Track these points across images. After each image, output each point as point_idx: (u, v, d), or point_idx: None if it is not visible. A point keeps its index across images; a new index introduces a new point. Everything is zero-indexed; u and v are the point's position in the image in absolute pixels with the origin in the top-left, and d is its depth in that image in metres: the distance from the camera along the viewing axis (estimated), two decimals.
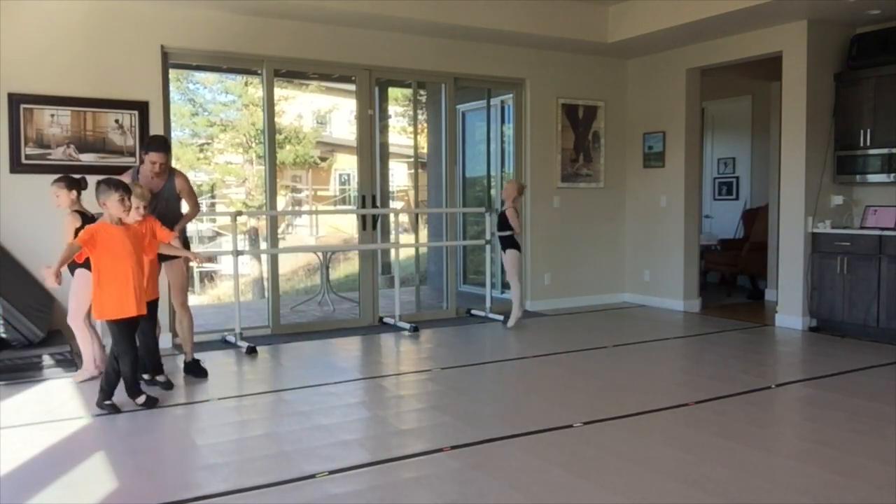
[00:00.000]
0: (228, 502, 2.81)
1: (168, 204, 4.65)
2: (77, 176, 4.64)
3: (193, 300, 7.43)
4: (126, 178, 4.51)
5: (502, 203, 6.58)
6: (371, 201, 6.63)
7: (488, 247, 7.10)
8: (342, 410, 4.01)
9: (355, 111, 6.63)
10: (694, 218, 7.41)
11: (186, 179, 4.79)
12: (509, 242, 6.45)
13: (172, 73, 5.94)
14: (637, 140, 7.78)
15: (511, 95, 7.49)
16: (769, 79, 7.58)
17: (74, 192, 4.54)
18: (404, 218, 11.03)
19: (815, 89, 6.19)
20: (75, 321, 4.59)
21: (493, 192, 8.18)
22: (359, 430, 3.69)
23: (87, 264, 4.33)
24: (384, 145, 8.26)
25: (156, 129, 5.57)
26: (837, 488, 2.90)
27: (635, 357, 5.35)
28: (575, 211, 7.63)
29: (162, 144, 4.58)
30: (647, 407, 3.99)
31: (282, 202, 14.67)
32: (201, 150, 13.94)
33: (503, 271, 6.90)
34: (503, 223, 6.48)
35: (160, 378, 4.46)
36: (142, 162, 4.62)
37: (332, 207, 16.81)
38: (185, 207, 4.78)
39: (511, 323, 6.52)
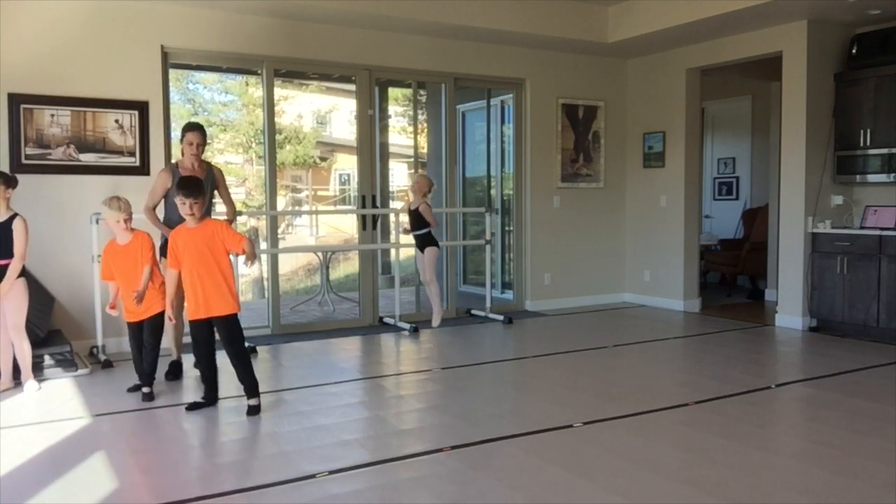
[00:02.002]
0: (228, 502, 2.81)
1: (207, 196, 4.67)
2: (9, 174, 4.44)
3: None
4: (166, 172, 4.60)
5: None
6: (371, 201, 6.63)
7: (488, 247, 7.10)
8: (342, 410, 4.00)
9: (355, 111, 6.63)
10: (694, 218, 7.41)
11: (222, 173, 4.91)
12: (427, 240, 6.17)
13: (172, 73, 5.94)
14: (637, 140, 7.78)
15: (511, 95, 7.50)
16: (769, 79, 7.58)
17: (11, 191, 4.33)
18: (404, 218, 11.03)
19: (815, 89, 6.19)
20: (21, 332, 4.34)
21: (492, 192, 8.18)
22: (359, 430, 3.69)
23: (21, 273, 4.31)
24: (384, 145, 8.26)
25: (156, 129, 5.58)
26: (837, 488, 2.90)
27: (635, 357, 5.35)
28: (575, 211, 7.63)
29: (198, 125, 4.74)
30: (647, 407, 3.99)
31: (282, 202, 14.67)
32: None
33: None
34: (418, 221, 6.15)
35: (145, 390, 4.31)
36: (183, 155, 4.72)
37: (332, 207, 16.81)
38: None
39: (436, 322, 6.36)
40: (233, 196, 5.14)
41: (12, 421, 3.82)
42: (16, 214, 4.32)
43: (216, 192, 4.86)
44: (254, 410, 3.90)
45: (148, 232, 4.44)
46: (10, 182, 4.37)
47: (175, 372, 4.74)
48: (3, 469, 3.15)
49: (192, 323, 3.94)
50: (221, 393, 4.36)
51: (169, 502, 2.80)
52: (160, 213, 4.75)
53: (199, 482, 3.02)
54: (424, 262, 6.23)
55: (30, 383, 4.38)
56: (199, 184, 3.96)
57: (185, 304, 4.11)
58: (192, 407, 4.03)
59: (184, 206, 3.82)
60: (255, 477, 3.06)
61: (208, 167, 4.77)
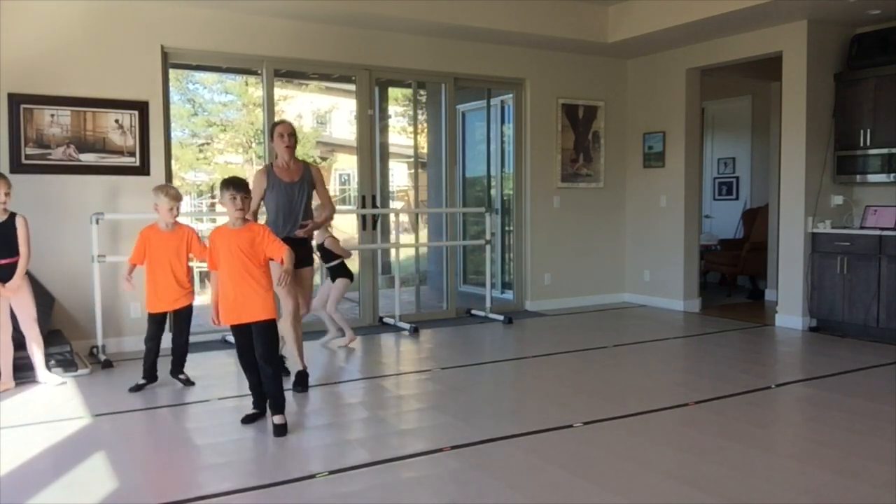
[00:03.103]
0: (228, 502, 2.81)
1: (306, 199, 4.48)
2: None
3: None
4: (261, 173, 4.41)
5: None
6: (371, 201, 6.63)
7: (488, 247, 7.10)
8: (342, 410, 4.00)
9: (355, 111, 6.63)
10: (694, 218, 7.41)
11: (321, 172, 4.62)
12: (340, 271, 5.55)
13: (172, 73, 5.94)
14: (637, 140, 7.78)
15: (511, 95, 7.49)
16: (769, 79, 7.58)
17: (10, 190, 4.36)
18: (404, 218, 11.02)
19: (815, 89, 6.19)
20: (35, 325, 4.44)
21: (492, 192, 8.18)
22: (359, 430, 3.69)
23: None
24: (384, 145, 8.26)
25: (156, 129, 5.58)
26: (837, 488, 2.90)
27: (635, 357, 5.35)
28: (575, 211, 7.63)
29: (286, 120, 4.56)
30: (647, 407, 3.99)
31: None
32: (200, 151, 13.93)
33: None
34: (327, 255, 5.54)
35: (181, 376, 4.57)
36: (274, 157, 4.52)
37: None
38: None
39: (348, 341, 5.67)
40: None
41: (12, 421, 3.82)
42: (14, 213, 4.37)
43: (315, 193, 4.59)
44: (281, 430, 3.58)
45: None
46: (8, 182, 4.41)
47: (302, 383, 4.41)
48: (4, 469, 3.15)
49: (232, 328, 3.78)
50: (221, 392, 4.37)
51: (169, 502, 2.80)
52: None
53: (200, 482, 3.03)
54: (331, 292, 5.56)
55: (52, 377, 4.49)
56: (245, 181, 3.82)
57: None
58: (248, 419, 3.79)
59: (234, 201, 3.65)
60: (255, 477, 3.06)
61: (304, 165, 4.52)
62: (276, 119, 4.51)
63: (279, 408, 3.67)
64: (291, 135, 4.43)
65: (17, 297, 4.38)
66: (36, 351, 4.49)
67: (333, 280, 5.58)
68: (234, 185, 3.70)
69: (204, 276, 11.38)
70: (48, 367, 4.61)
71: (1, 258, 4.32)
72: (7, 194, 4.29)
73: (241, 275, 3.65)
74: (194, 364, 4.88)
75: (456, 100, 7.15)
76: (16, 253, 4.33)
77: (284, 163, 4.44)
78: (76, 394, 4.34)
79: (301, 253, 4.30)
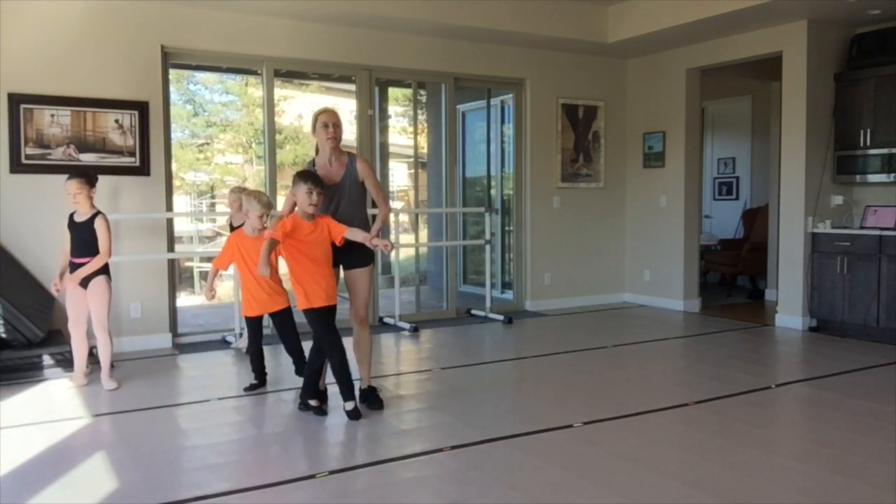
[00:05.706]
0: (228, 502, 2.81)
1: (351, 199, 3.94)
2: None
3: (193, 300, 7.44)
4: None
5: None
6: (371, 202, 6.61)
7: (488, 247, 7.10)
8: (342, 411, 4.00)
9: (355, 111, 6.63)
10: (694, 218, 7.41)
11: (370, 164, 4.05)
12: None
13: (172, 73, 5.94)
14: (637, 140, 7.78)
15: (511, 95, 7.50)
16: (769, 79, 7.58)
17: (93, 190, 4.46)
18: (404, 218, 11.03)
19: (815, 89, 6.19)
20: (103, 327, 4.50)
21: (492, 192, 8.18)
22: (359, 430, 3.69)
23: (105, 270, 4.44)
24: (384, 145, 8.26)
25: (156, 129, 5.57)
26: (837, 488, 2.89)
27: (635, 357, 5.34)
28: (575, 211, 7.63)
29: (330, 108, 3.95)
30: (647, 407, 3.99)
31: (282, 202, 14.62)
32: (200, 151, 13.93)
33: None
34: None
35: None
36: (316, 152, 3.98)
37: None
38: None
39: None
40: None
41: (12, 421, 3.82)
42: (98, 213, 4.43)
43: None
44: (356, 414, 3.86)
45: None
46: (93, 181, 4.46)
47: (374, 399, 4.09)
48: (3, 469, 3.15)
49: (317, 313, 3.86)
50: (221, 392, 4.37)
51: (169, 502, 2.80)
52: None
53: (199, 482, 3.02)
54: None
55: (107, 382, 4.47)
56: (319, 176, 3.77)
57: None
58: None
59: (310, 195, 3.64)
60: (255, 477, 3.06)
61: (349, 160, 3.93)
62: (320, 108, 4.01)
63: (352, 393, 3.88)
64: (337, 125, 3.86)
65: (93, 296, 4.41)
66: (102, 354, 4.51)
67: None
68: (313, 179, 3.73)
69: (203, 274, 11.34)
70: (41, 370, 4.62)
71: (79, 257, 4.37)
72: (79, 193, 4.33)
73: (326, 263, 3.82)
74: (194, 364, 4.87)
75: (456, 100, 7.15)
76: (94, 252, 4.39)
77: (326, 160, 3.89)
78: (76, 394, 4.34)
79: (355, 253, 3.97)
